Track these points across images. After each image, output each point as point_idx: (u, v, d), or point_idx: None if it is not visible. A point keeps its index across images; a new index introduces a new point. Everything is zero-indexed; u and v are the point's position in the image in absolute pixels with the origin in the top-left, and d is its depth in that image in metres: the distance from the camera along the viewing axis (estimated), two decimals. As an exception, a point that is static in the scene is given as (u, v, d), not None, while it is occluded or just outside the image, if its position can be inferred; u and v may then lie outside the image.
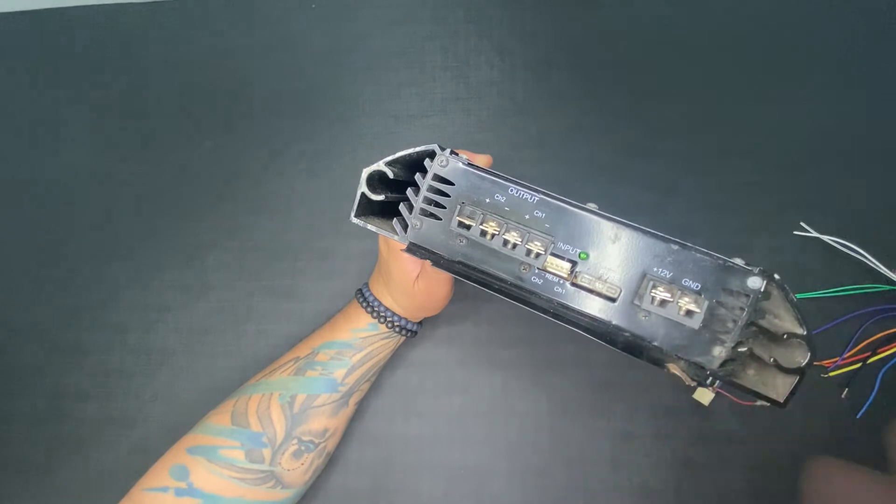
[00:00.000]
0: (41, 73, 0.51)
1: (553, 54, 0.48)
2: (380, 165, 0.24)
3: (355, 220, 0.25)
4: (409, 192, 0.23)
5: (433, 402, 0.40)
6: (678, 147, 0.44)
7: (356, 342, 0.35)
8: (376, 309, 0.35)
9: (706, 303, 0.20)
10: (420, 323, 0.37)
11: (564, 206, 0.21)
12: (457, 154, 0.23)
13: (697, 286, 0.20)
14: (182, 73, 0.50)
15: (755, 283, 0.20)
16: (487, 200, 0.22)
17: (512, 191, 0.22)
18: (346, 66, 0.49)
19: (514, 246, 0.22)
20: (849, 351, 0.38)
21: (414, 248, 0.24)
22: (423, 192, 0.23)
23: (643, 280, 0.21)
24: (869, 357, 0.38)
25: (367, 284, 0.37)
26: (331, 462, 0.38)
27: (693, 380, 0.21)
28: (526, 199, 0.22)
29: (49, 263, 0.46)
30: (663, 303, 0.20)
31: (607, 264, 0.21)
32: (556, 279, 0.22)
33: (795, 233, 0.41)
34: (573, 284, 0.22)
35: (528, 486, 0.39)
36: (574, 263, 0.22)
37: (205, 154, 0.48)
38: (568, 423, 0.39)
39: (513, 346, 0.41)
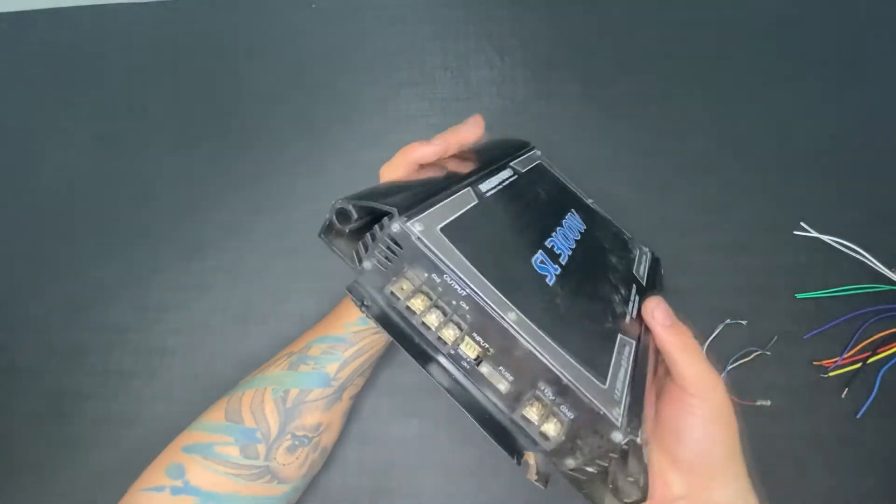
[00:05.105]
0: (41, 73, 0.51)
1: (553, 54, 0.48)
2: (347, 205, 0.25)
3: (321, 238, 0.25)
4: (368, 236, 0.24)
5: (433, 402, 0.40)
6: (678, 147, 0.44)
7: (348, 337, 0.35)
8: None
9: (573, 430, 0.22)
10: None
11: (487, 309, 0.22)
12: (414, 219, 0.23)
13: (571, 416, 0.22)
14: (182, 73, 0.50)
15: (617, 437, 0.21)
16: (426, 275, 0.23)
17: (446, 277, 0.23)
18: (346, 66, 0.49)
19: (431, 329, 0.24)
20: (849, 351, 0.38)
21: (354, 287, 0.25)
22: (374, 251, 0.24)
23: (531, 391, 0.23)
24: (869, 357, 0.38)
25: None
26: (331, 462, 0.38)
27: (537, 474, 0.23)
28: (456, 290, 0.23)
29: (49, 263, 0.46)
30: (532, 422, 0.23)
31: (506, 365, 0.23)
32: (464, 355, 0.24)
33: (795, 233, 0.41)
34: (476, 365, 0.24)
35: (528, 485, 0.38)
36: (484, 351, 0.24)
37: (205, 154, 0.48)
38: (568, 423, 0.39)
39: (513, 346, 0.41)
